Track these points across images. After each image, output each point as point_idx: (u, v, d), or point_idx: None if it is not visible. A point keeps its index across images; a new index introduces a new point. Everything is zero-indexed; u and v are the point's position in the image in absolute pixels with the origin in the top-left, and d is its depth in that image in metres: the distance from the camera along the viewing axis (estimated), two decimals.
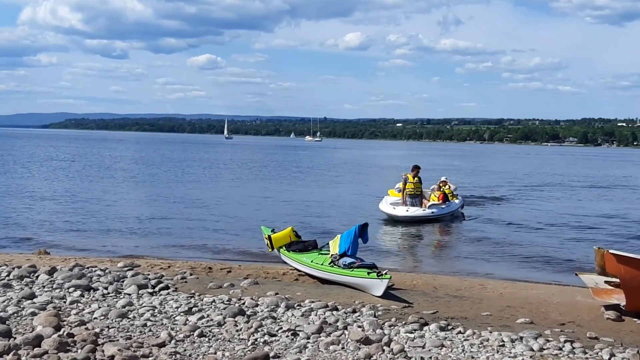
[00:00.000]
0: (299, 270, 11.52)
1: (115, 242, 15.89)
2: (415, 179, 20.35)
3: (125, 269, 11.47)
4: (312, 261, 11.16)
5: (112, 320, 7.89)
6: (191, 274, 11.19)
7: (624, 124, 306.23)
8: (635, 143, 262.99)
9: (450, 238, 18.58)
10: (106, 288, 9.76)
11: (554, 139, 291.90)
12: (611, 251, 8.68)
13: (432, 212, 20.08)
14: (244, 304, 9.07)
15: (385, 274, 9.78)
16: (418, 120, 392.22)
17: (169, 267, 11.88)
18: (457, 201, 21.86)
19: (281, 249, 12.30)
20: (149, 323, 7.82)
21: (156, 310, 8.51)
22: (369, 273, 9.92)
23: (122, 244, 15.64)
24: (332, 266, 10.64)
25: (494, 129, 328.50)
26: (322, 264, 10.87)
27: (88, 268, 11.21)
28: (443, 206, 20.65)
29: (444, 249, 16.57)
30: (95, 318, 8.01)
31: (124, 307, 8.63)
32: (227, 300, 9.26)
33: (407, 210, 19.77)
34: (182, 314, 8.42)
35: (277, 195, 29.17)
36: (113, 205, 23.28)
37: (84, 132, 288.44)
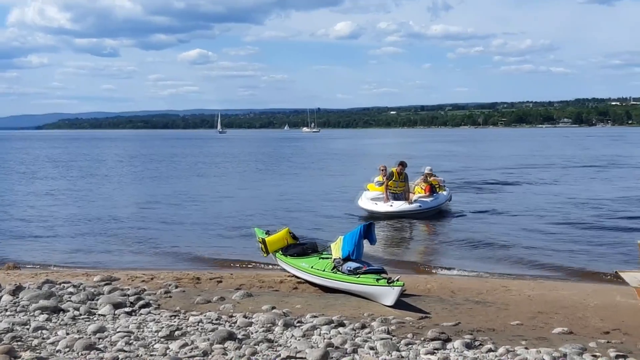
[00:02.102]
0: (298, 277, 10.27)
1: (93, 248, 14.51)
2: (401, 176, 18.09)
3: (102, 283, 10.22)
4: (312, 267, 9.90)
5: (77, 353, 6.60)
6: (176, 287, 9.95)
7: (618, 103, 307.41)
8: (629, 121, 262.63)
9: (454, 234, 16.16)
10: (77, 309, 8.48)
11: (548, 120, 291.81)
12: None
13: (420, 206, 17.85)
14: (235, 322, 7.83)
15: (397, 280, 8.52)
16: (412, 107, 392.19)
17: (151, 279, 10.62)
18: (444, 193, 19.59)
19: (277, 254, 10.97)
20: (121, 356, 6.53)
21: (132, 337, 7.23)
22: (378, 279, 8.67)
23: (102, 251, 14.27)
24: (335, 272, 9.39)
25: (487, 113, 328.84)
26: (323, 270, 9.62)
27: (60, 284, 9.98)
28: (429, 199, 18.41)
29: (450, 247, 14.52)
30: (58, 351, 6.73)
31: (95, 333, 7.37)
32: (216, 319, 8.01)
33: (391, 205, 17.76)
34: (162, 340, 7.16)
35: (273, 191, 27.70)
36: (95, 207, 21.79)
37: (77, 132, 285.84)
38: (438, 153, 61.26)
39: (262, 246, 11.12)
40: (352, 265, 9.22)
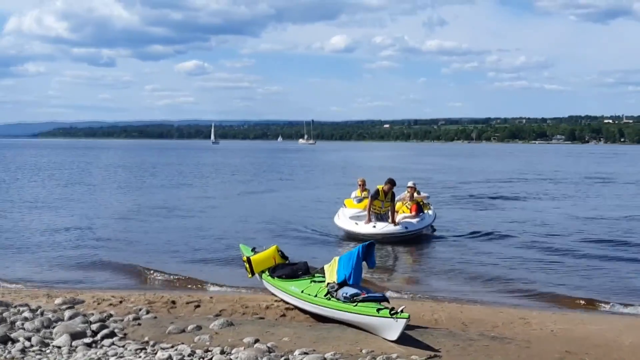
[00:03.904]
0: (287, 303, 9.06)
1: (61, 264, 13.19)
2: (387, 196, 16.05)
3: (64, 307, 8.99)
4: (302, 291, 8.68)
5: None
6: (148, 312, 8.74)
7: (610, 121, 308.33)
8: (622, 139, 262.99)
9: (450, 257, 14.38)
10: (29, 339, 7.27)
11: (542, 137, 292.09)
12: None
13: (406, 229, 15.98)
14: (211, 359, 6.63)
15: (402, 311, 7.30)
16: (405, 121, 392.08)
17: (120, 302, 9.38)
18: (430, 212, 17.61)
19: (264, 275, 9.77)
20: None
21: None
22: (379, 310, 7.46)
23: (71, 267, 12.94)
24: (329, 298, 8.17)
25: (481, 128, 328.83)
26: (315, 296, 8.40)
27: (15, 307, 8.74)
28: (416, 220, 16.47)
29: (449, 272, 12.71)
30: None
31: None
32: (189, 355, 6.80)
33: (374, 227, 15.81)
34: None
35: (267, 203, 26.43)
36: (72, 217, 20.39)
37: (72, 141, 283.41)
38: (431, 167, 60.18)
39: (247, 265, 9.89)
40: (348, 291, 8.00)
